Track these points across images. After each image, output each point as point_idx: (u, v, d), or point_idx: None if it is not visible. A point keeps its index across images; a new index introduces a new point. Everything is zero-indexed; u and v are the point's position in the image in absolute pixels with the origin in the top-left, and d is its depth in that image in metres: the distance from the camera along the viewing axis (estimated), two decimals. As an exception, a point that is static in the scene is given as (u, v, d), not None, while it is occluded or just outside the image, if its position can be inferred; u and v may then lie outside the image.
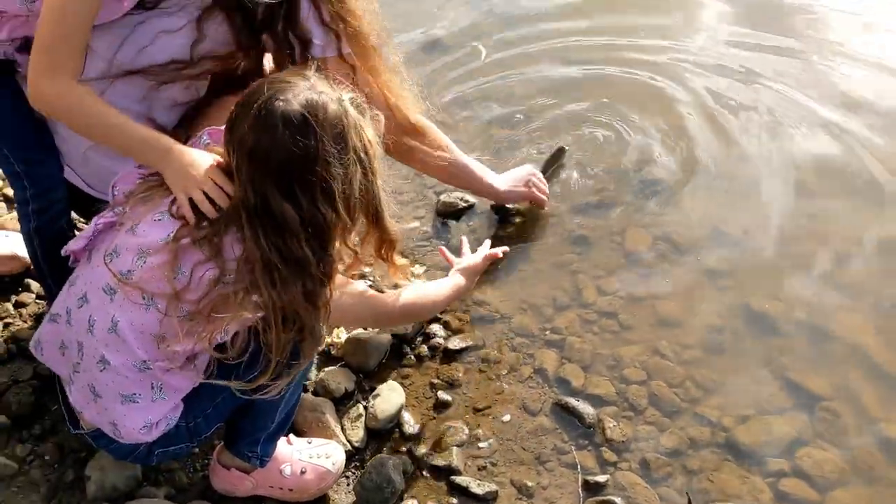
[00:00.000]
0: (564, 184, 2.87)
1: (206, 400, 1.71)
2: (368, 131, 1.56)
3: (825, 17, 3.74)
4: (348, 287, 1.82)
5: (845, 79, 3.32)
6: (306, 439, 2.03)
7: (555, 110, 3.22)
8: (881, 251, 2.57)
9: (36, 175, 1.98)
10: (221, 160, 1.60)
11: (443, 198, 2.80)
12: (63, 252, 1.76)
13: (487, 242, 2.39)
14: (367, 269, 2.43)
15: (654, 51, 3.52)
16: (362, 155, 1.54)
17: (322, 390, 2.19)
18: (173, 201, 1.58)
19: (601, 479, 1.99)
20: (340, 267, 1.67)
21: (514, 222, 2.73)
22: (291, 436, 2.02)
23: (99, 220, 1.67)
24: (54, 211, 2.03)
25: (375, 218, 1.66)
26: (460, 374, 2.26)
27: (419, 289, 2.18)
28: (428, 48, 3.61)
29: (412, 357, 2.31)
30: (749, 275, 2.51)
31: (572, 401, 2.16)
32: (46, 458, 2.04)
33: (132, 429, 1.64)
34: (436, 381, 2.25)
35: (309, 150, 1.46)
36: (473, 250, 2.36)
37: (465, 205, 2.78)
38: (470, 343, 2.33)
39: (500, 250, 2.34)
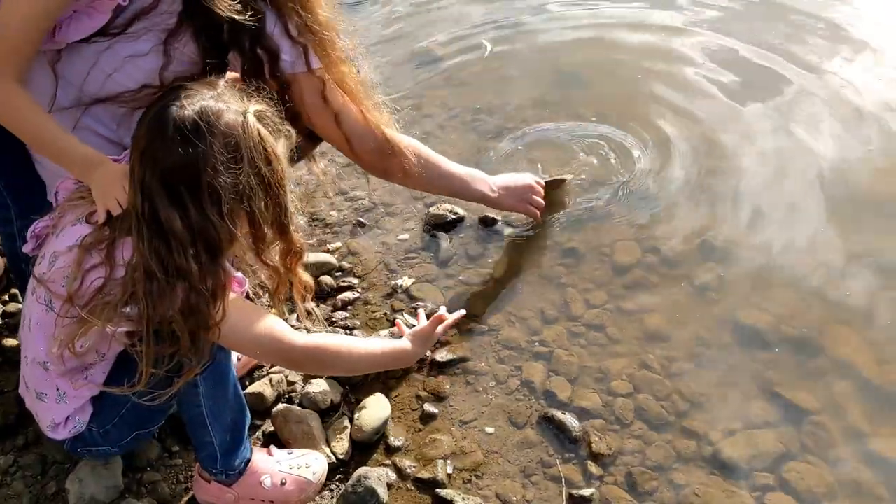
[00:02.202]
0: (552, 197, 2.86)
1: (110, 408, 1.74)
2: (275, 144, 1.55)
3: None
4: (252, 311, 1.71)
5: (845, 90, 3.33)
6: (287, 450, 2.02)
7: (547, 121, 3.24)
8: (871, 266, 2.56)
9: (19, 194, 1.98)
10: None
11: (432, 209, 2.80)
12: (24, 251, 1.78)
13: (442, 308, 2.16)
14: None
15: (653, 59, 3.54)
16: (262, 166, 1.51)
17: (308, 402, 2.18)
18: (94, 211, 1.60)
19: (586, 492, 1.98)
20: (262, 285, 1.70)
21: (502, 234, 2.73)
22: (272, 447, 2.02)
23: (37, 225, 1.72)
24: None
25: (280, 228, 1.63)
26: (447, 387, 2.25)
27: (343, 339, 1.98)
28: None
29: (398, 370, 2.30)
30: (737, 288, 2.50)
31: (559, 413, 2.15)
32: (29, 469, 2.04)
33: (43, 424, 1.77)
34: (422, 393, 2.24)
35: (197, 156, 1.45)
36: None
37: (453, 217, 2.78)
38: (457, 355, 2.32)
39: (454, 316, 2.12)
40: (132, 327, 1.53)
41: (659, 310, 2.44)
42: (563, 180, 2.85)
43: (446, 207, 2.79)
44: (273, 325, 1.72)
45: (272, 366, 2.30)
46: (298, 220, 1.69)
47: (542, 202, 2.67)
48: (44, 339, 1.63)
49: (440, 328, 2.07)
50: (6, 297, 2.51)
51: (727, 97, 3.34)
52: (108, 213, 1.56)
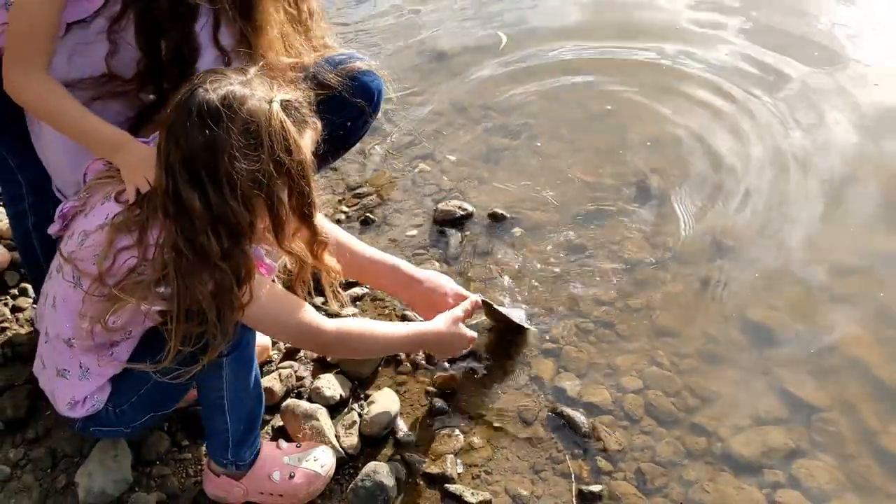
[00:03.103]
0: (564, 192, 2.87)
1: (129, 388, 1.76)
2: (298, 135, 1.55)
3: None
4: (273, 289, 1.74)
5: (857, 93, 3.33)
6: (296, 444, 2.02)
7: (555, 115, 3.24)
8: (881, 262, 2.56)
9: (30, 169, 1.99)
10: None
11: (441, 206, 2.80)
12: (50, 231, 1.80)
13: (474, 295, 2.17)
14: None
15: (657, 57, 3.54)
16: (282, 155, 1.52)
17: (317, 397, 2.18)
18: (122, 190, 1.63)
19: (596, 488, 1.97)
20: (286, 266, 1.73)
21: (510, 231, 2.73)
22: (281, 441, 2.02)
23: (65, 206, 1.75)
24: (50, 205, 2.04)
25: (303, 217, 1.64)
26: (456, 382, 2.24)
27: (367, 322, 2.07)
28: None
29: (408, 364, 2.30)
30: (747, 285, 2.50)
31: (568, 409, 2.15)
32: (39, 462, 2.04)
33: (61, 402, 1.76)
34: (431, 388, 2.24)
35: (215, 140, 1.46)
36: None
37: (462, 213, 2.78)
38: (466, 350, 2.31)
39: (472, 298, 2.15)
40: (165, 306, 1.55)
41: (668, 306, 2.44)
42: (523, 329, 2.37)
43: (455, 203, 2.79)
44: (304, 309, 1.77)
45: (281, 360, 2.30)
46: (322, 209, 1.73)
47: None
48: (70, 316, 1.64)
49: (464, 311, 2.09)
50: (15, 292, 2.51)
51: (746, 92, 3.35)
52: (138, 191, 1.60)
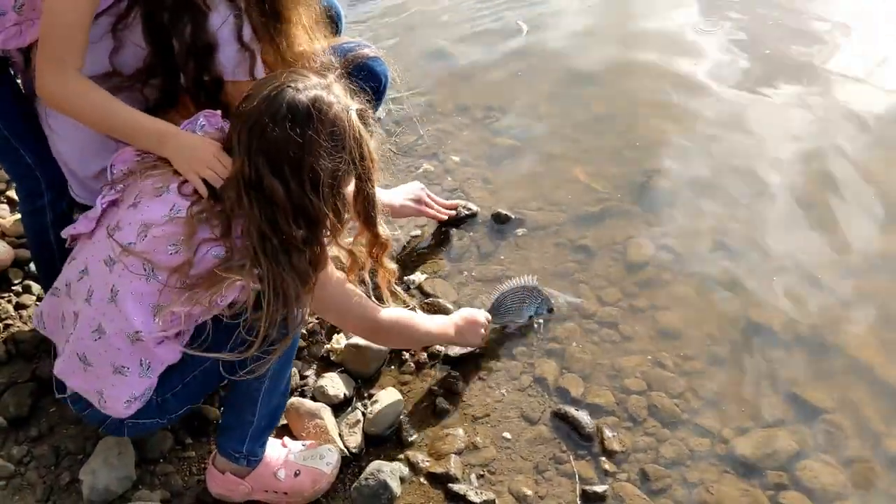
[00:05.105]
0: (568, 193, 2.87)
1: (177, 377, 1.76)
2: (370, 142, 1.68)
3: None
4: (341, 280, 1.86)
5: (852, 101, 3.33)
6: (301, 442, 2.02)
7: (560, 116, 3.26)
8: (885, 265, 2.56)
9: (49, 165, 2.00)
10: (220, 144, 1.68)
11: (445, 206, 2.80)
12: (64, 234, 1.81)
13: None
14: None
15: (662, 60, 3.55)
16: (357, 160, 1.65)
17: (321, 396, 2.18)
18: (183, 182, 1.65)
19: (599, 489, 1.97)
20: (339, 263, 1.79)
21: (514, 231, 2.73)
22: (286, 438, 2.02)
23: (103, 200, 1.74)
24: (66, 202, 2.06)
25: (368, 221, 1.78)
26: (460, 382, 2.24)
27: (414, 314, 2.17)
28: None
29: (412, 364, 2.30)
30: (751, 287, 2.50)
31: (571, 410, 2.15)
32: (43, 460, 2.04)
33: (117, 400, 1.70)
34: (435, 388, 2.24)
35: (304, 138, 1.56)
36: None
37: (467, 213, 2.78)
38: (469, 351, 2.31)
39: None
40: (259, 286, 1.59)
41: (672, 308, 2.44)
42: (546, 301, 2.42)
43: (460, 203, 2.78)
44: (364, 300, 1.94)
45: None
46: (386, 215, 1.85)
47: (436, 207, 2.69)
48: (141, 309, 1.62)
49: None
50: (18, 289, 2.51)
51: (752, 92, 3.37)
52: (207, 183, 1.62)
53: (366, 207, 1.75)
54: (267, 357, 1.65)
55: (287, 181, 1.56)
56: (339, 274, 1.85)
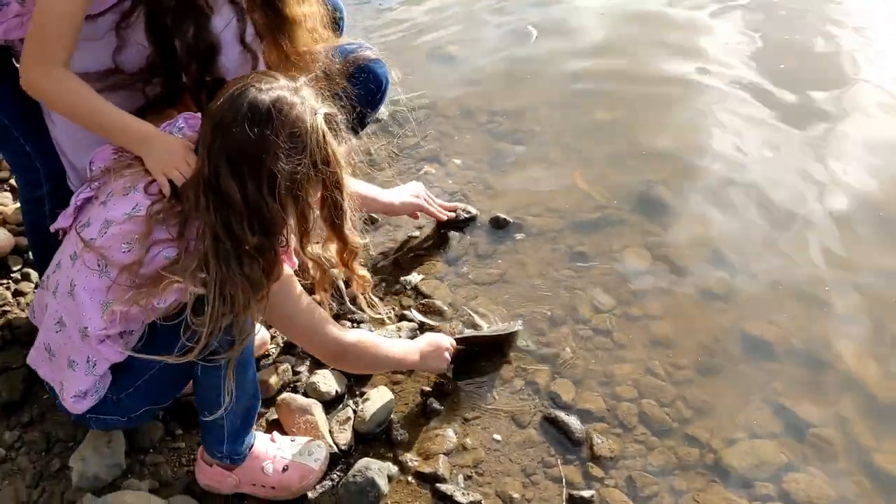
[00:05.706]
0: (567, 200, 2.88)
1: (131, 377, 1.75)
2: (336, 148, 1.64)
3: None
4: (304, 297, 1.82)
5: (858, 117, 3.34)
6: (290, 437, 2.03)
7: (562, 122, 3.28)
8: (879, 280, 2.56)
9: (48, 156, 2.01)
10: (192, 144, 1.68)
11: (444, 208, 2.82)
12: (52, 229, 1.82)
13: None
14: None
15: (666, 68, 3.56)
16: (321, 164, 1.61)
17: (312, 392, 2.18)
18: (151, 182, 1.64)
19: (586, 494, 1.98)
20: (308, 275, 1.77)
21: (512, 235, 2.74)
22: (275, 433, 2.03)
23: (79, 197, 1.75)
24: (67, 191, 2.06)
25: (334, 228, 1.74)
26: (451, 384, 2.25)
27: (379, 338, 2.12)
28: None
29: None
30: (746, 298, 2.51)
31: (562, 415, 2.15)
32: (33, 445, 2.05)
33: (67, 394, 1.73)
34: (427, 388, 2.24)
35: (262, 139, 1.53)
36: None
37: (466, 216, 2.79)
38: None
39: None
40: (203, 290, 1.57)
41: (666, 317, 2.45)
42: (513, 334, 2.38)
43: (459, 206, 2.80)
44: (326, 319, 1.87)
45: (279, 355, 2.31)
46: (356, 220, 1.79)
47: (435, 208, 2.72)
48: (90, 304, 1.63)
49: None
50: (17, 276, 2.53)
51: (752, 101, 3.36)
52: (172, 184, 1.62)
53: (331, 215, 1.71)
54: (216, 361, 1.65)
55: (245, 182, 1.53)
56: (307, 297, 1.82)
